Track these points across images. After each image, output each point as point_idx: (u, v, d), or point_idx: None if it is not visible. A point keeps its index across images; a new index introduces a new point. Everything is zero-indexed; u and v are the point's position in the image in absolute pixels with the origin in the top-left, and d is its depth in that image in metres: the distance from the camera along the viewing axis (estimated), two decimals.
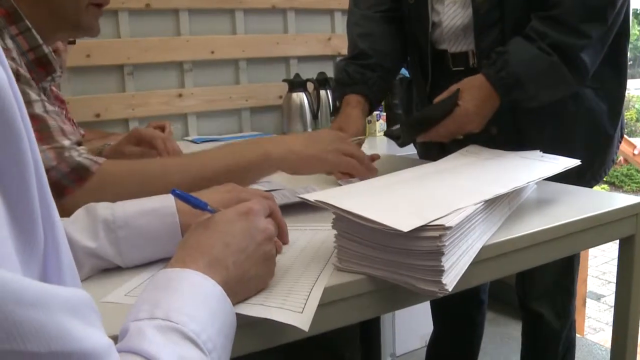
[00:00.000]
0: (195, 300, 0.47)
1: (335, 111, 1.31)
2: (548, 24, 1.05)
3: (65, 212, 0.75)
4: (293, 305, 0.56)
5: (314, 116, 2.25)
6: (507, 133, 1.17)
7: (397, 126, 1.15)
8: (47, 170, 0.74)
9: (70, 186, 0.76)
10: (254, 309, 0.56)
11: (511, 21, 1.11)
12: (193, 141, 2.09)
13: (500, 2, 1.11)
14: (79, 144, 0.81)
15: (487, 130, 1.13)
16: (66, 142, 0.78)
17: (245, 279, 0.57)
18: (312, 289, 0.60)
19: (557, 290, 1.40)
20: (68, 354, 0.27)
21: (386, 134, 1.19)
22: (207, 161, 0.85)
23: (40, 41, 0.86)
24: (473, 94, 1.07)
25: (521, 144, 1.09)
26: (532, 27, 1.07)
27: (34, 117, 0.76)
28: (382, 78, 1.30)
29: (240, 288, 0.56)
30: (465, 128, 1.10)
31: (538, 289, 1.41)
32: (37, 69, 0.86)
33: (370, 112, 1.33)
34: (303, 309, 0.56)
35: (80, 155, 0.78)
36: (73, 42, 1.53)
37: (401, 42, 1.34)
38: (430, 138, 1.12)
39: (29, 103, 0.77)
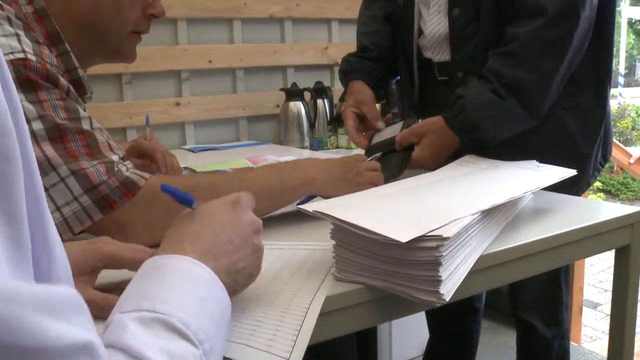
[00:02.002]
0: (185, 288, 0.46)
1: (342, 98, 1.45)
2: (503, 60, 1.07)
3: (114, 225, 0.77)
4: (281, 346, 0.54)
5: (311, 125, 2.26)
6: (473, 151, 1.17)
7: (375, 142, 1.23)
8: (98, 185, 0.76)
9: (118, 201, 0.77)
10: (238, 350, 0.53)
11: (485, 37, 1.13)
12: (191, 150, 2.09)
13: (475, 17, 1.13)
14: (123, 159, 0.83)
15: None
16: (114, 157, 0.80)
17: (234, 271, 0.55)
18: (304, 319, 0.58)
19: (545, 299, 1.41)
20: (36, 350, 0.27)
21: (366, 154, 1.23)
22: (253, 181, 0.86)
23: (77, 64, 0.89)
24: (431, 139, 1.12)
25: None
26: (488, 67, 1.09)
27: (82, 133, 0.78)
28: (381, 67, 1.38)
29: (229, 280, 0.53)
30: (425, 166, 1.14)
31: (527, 299, 1.42)
32: None
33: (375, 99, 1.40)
34: (291, 352, 0.53)
35: (128, 170, 0.80)
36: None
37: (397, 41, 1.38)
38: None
39: (77, 119, 0.79)
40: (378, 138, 1.26)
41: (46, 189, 0.74)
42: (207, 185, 0.84)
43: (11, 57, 0.74)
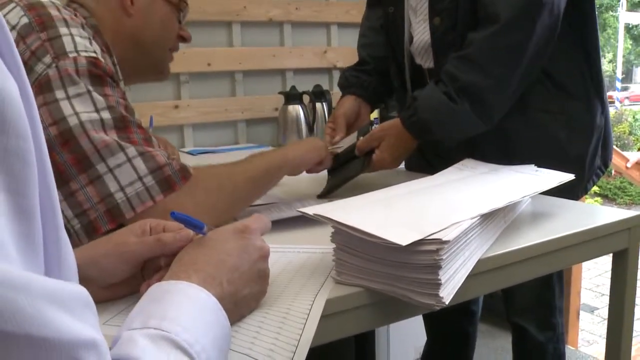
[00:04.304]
0: (190, 311, 0.47)
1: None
2: (459, 64, 1.08)
3: (173, 204, 0.80)
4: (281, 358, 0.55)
5: (310, 128, 2.27)
6: (460, 148, 1.18)
7: (341, 148, 1.26)
8: (163, 165, 0.81)
9: (178, 183, 0.82)
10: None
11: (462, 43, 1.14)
12: (189, 153, 2.09)
13: (454, 26, 1.15)
14: None
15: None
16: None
17: (239, 297, 0.57)
18: (304, 326, 0.58)
19: (538, 303, 1.41)
20: (42, 339, 0.28)
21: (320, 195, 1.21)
22: (252, 165, 0.96)
23: (121, 77, 0.97)
24: (390, 141, 1.16)
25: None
26: (445, 70, 1.10)
27: (142, 128, 0.84)
28: (377, 81, 1.38)
29: (233, 306, 0.56)
30: (386, 167, 1.19)
31: (519, 303, 1.43)
32: None
33: (371, 110, 1.42)
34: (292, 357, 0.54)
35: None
36: None
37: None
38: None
39: (134, 117, 0.85)
40: (342, 146, 1.29)
41: (110, 170, 0.78)
42: (225, 173, 0.92)
43: (85, 54, 0.82)
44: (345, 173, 1.19)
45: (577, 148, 1.21)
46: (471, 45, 1.08)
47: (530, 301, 1.41)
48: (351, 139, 1.30)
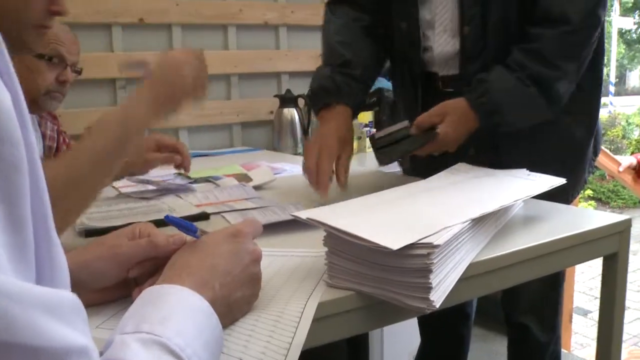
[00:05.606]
0: (182, 314, 0.48)
1: (318, 109, 1.27)
2: (528, 56, 1.11)
3: None
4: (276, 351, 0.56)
5: (305, 132, 2.27)
6: (485, 154, 1.21)
7: (381, 134, 1.19)
8: None
9: None
10: None
11: (492, 52, 1.18)
12: None
13: (483, 35, 1.18)
14: None
15: (465, 151, 1.18)
16: None
17: (231, 301, 0.58)
18: (296, 329, 0.59)
19: (544, 303, 1.42)
20: (35, 348, 0.28)
21: (372, 143, 1.20)
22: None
23: None
24: (454, 118, 1.13)
25: (498, 166, 1.11)
26: (512, 58, 1.13)
27: None
28: (362, 90, 1.31)
29: (226, 310, 0.56)
30: (443, 148, 1.16)
31: (525, 302, 1.43)
32: None
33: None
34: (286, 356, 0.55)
35: None
36: (79, 72, 1.58)
37: (380, 58, 1.36)
38: (410, 154, 1.20)
39: None
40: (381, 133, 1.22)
41: None
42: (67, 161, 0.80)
43: None
44: (405, 146, 1.13)
45: (587, 144, 1.28)
46: (539, 41, 1.11)
47: (537, 300, 1.43)
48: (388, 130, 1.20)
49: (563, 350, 1.97)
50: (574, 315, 2.75)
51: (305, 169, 1.16)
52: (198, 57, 0.97)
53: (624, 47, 16.64)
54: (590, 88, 1.25)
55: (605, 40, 1.27)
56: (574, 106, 1.21)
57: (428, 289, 0.62)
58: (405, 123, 1.18)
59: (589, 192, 6.35)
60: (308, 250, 0.80)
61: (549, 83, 1.11)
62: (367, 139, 2.23)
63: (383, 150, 1.17)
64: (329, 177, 1.12)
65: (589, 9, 1.10)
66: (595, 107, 1.31)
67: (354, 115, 1.27)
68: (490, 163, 1.09)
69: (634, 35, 16.45)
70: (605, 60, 1.30)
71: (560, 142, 1.25)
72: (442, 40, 1.24)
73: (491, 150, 1.23)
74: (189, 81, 0.92)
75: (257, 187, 1.30)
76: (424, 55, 1.28)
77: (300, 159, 1.80)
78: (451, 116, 1.13)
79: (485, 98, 1.11)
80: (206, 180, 1.41)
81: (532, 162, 1.06)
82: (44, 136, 1.64)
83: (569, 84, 1.14)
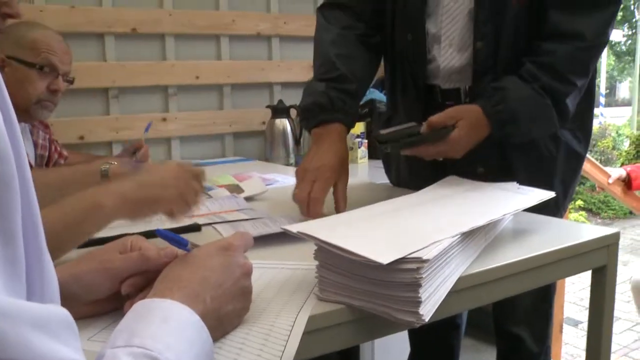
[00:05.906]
0: (173, 328, 0.48)
1: (311, 126, 1.21)
2: (541, 69, 1.13)
3: None
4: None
5: (297, 142, 2.28)
6: (493, 172, 1.21)
7: (388, 130, 1.19)
8: None
9: None
10: None
11: (503, 66, 1.19)
12: None
13: (496, 50, 1.19)
14: None
15: (474, 169, 1.19)
16: None
17: (222, 314, 0.58)
18: (287, 343, 0.59)
19: (536, 313, 1.43)
20: None
21: (376, 137, 1.21)
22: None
23: None
24: (467, 123, 1.11)
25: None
26: (526, 70, 1.14)
27: None
28: (356, 105, 1.27)
29: (216, 323, 0.56)
30: (451, 152, 1.12)
31: (518, 313, 1.44)
32: None
33: None
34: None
35: None
36: (71, 81, 1.58)
37: (372, 69, 1.34)
38: (417, 153, 1.15)
39: None
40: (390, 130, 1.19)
41: None
42: None
43: None
44: (413, 139, 1.11)
45: (584, 157, 1.32)
46: (552, 55, 1.13)
47: (530, 312, 1.43)
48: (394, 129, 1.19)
49: None
50: (565, 326, 2.75)
51: (297, 198, 1.08)
52: (195, 176, 0.93)
53: (614, 58, 16.83)
54: (587, 102, 1.27)
55: None
56: (573, 120, 1.23)
57: (417, 302, 0.62)
58: (413, 124, 1.18)
59: (579, 202, 6.38)
60: (299, 262, 0.80)
61: (561, 96, 1.13)
62: (359, 151, 2.24)
63: (388, 143, 1.14)
64: (321, 207, 1.07)
65: (602, 26, 1.13)
66: (591, 120, 1.34)
67: (348, 131, 1.23)
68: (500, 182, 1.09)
69: (623, 47, 16.64)
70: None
71: (563, 163, 1.27)
72: (447, 54, 1.24)
73: (500, 172, 1.20)
74: (172, 194, 0.88)
75: (248, 199, 1.30)
76: (427, 67, 1.29)
77: (292, 170, 1.80)
78: (465, 120, 1.11)
79: (502, 106, 1.11)
80: None
81: (540, 180, 1.10)
82: (35, 145, 1.64)
83: (575, 98, 1.17)
